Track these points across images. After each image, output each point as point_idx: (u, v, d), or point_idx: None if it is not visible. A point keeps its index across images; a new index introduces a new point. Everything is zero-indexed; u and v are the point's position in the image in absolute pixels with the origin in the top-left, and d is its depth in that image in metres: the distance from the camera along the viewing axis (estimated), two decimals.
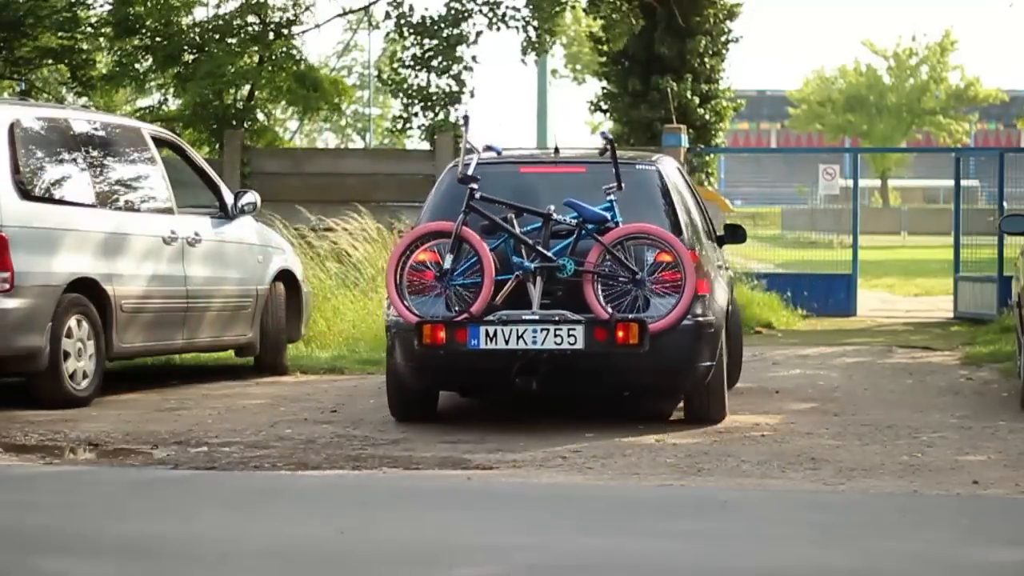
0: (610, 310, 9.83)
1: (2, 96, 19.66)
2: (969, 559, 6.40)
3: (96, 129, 12.13)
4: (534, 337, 9.70)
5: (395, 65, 20.68)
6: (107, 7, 20.32)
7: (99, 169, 11.95)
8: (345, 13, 21.79)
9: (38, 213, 11.11)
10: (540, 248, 9.95)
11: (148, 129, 12.99)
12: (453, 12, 19.76)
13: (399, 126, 20.53)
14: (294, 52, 20.49)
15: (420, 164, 19.26)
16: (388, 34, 20.76)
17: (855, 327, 19.08)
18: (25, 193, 11.05)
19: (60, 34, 20.22)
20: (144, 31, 20.02)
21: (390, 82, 20.53)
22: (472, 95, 19.88)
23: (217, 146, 19.89)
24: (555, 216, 10.05)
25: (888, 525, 7.07)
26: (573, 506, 7.47)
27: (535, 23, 19.69)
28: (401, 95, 20.01)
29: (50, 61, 20.85)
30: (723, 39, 21.23)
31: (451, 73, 19.77)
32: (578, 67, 64.31)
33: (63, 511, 7.30)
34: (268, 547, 6.45)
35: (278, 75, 20.24)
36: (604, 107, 21.95)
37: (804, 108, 72.84)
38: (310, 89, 20.27)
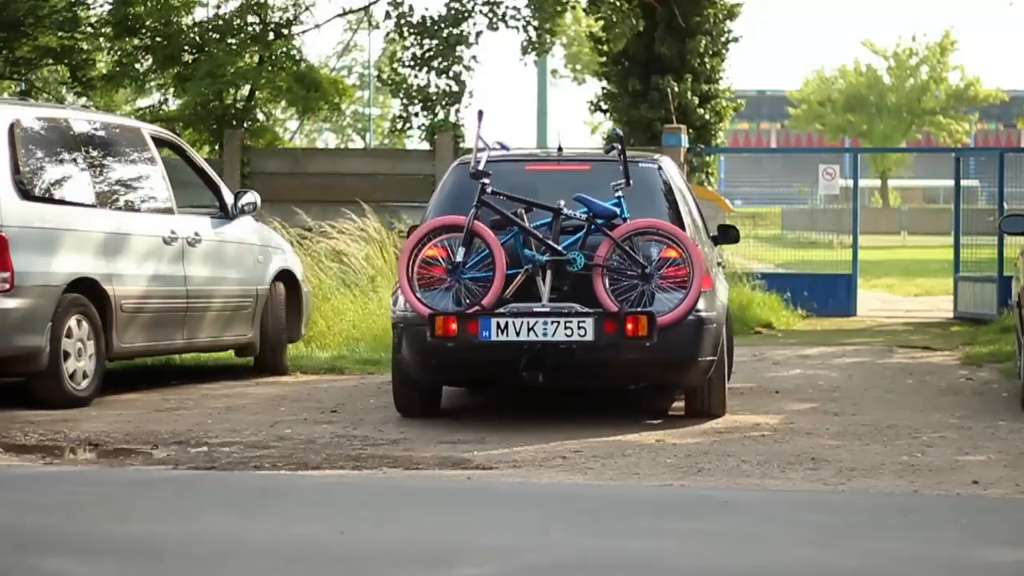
0: (618, 303, 10.01)
1: (2, 96, 19.67)
2: (969, 559, 6.40)
3: (96, 129, 12.13)
4: (545, 329, 9.88)
5: (395, 65, 20.69)
6: (107, 7, 20.35)
7: (99, 169, 11.95)
8: (345, 13, 21.79)
9: (38, 213, 11.11)
10: (550, 242, 10.12)
11: (148, 129, 12.99)
12: (453, 12, 19.77)
13: (399, 126, 20.54)
14: (294, 52, 20.51)
15: (420, 164, 19.28)
16: (388, 34, 20.77)
17: (855, 327, 19.08)
18: (25, 193, 11.05)
19: (60, 34, 20.23)
20: (144, 31, 20.04)
21: (390, 82, 20.55)
22: (472, 95, 19.92)
23: (217, 146, 19.91)
24: (566, 211, 10.23)
25: (888, 525, 7.07)
26: (573, 506, 7.47)
27: (535, 23, 19.70)
28: (401, 95, 20.01)
29: (50, 61, 20.86)
30: (723, 39, 21.22)
31: (451, 73, 19.77)
32: (578, 67, 64.30)
33: (63, 511, 7.30)
34: (268, 547, 6.45)
35: (278, 75, 20.25)
36: (604, 107, 21.94)
37: (804, 108, 72.83)
38: (310, 89, 20.28)
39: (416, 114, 19.94)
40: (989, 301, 19.19)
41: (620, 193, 10.31)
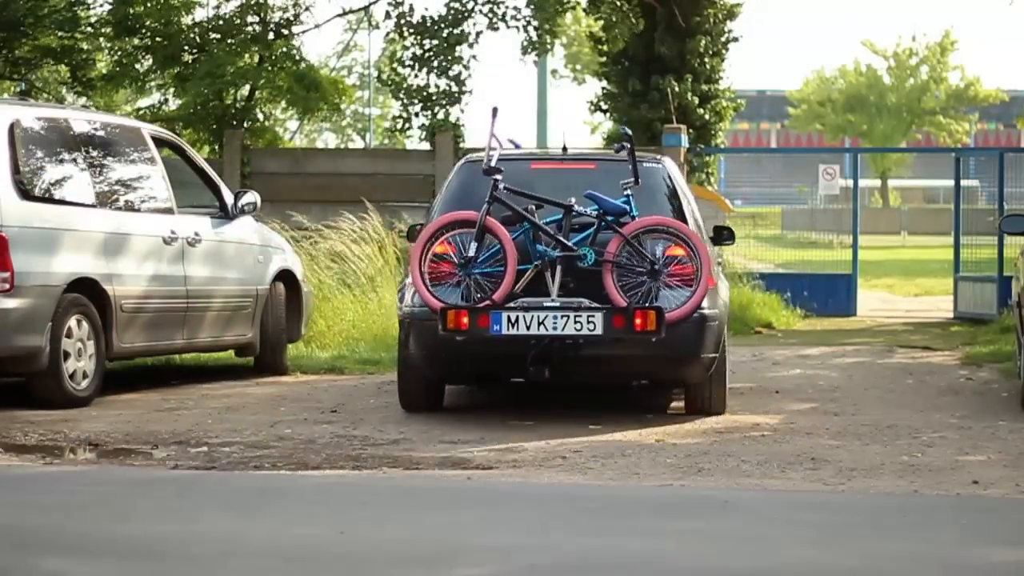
0: (626, 299, 10.21)
1: (2, 96, 19.67)
2: (969, 559, 6.40)
3: (96, 129, 12.13)
4: (554, 323, 10.04)
5: (395, 65, 20.68)
6: (107, 7, 20.34)
7: (99, 169, 11.95)
8: (345, 13, 21.79)
9: (38, 213, 11.10)
10: (561, 238, 10.30)
11: (148, 129, 12.99)
12: (453, 12, 19.76)
13: (399, 126, 20.53)
14: (294, 52, 20.49)
15: (420, 164, 19.28)
16: (388, 34, 20.76)
17: (855, 327, 19.08)
18: (25, 193, 11.05)
19: (60, 34, 20.22)
20: (144, 31, 20.03)
21: (390, 82, 20.54)
22: (472, 94, 19.91)
23: (217, 146, 19.90)
24: (577, 208, 10.41)
25: (888, 525, 7.07)
26: (573, 506, 7.46)
27: (535, 23, 19.69)
28: (401, 95, 20.00)
29: (50, 61, 20.86)
30: (723, 39, 21.22)
31: (451, 73, 19.77)
32: (578, 67, 64.33)
33: (63, 511, 7.30)
34: (268, 547, 6.45)
35: (278, 75, 20.24)
36: (604, 107, 21.94)
37: (804, 108, 72.83)
38: (310, 89, 20.27)
39: (416, 114, 19.93)
40: (989, 301, 19.19)
41: (629, 191, 10.51)
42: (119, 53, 20.54)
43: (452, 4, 19.79)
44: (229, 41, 20.06)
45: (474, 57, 19.89)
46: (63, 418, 10.58)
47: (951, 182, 21.12)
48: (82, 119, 12.15)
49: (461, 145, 19.15)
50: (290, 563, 6.16)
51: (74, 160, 11.68)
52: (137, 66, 20.38)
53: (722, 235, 12.22)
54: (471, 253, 10.31)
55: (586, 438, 9.80)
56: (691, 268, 10.33)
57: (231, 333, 13.00)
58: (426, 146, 19.91)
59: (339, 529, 6.81)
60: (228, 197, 13.21)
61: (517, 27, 19.76)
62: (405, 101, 19.96)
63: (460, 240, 10.41)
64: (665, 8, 20.42)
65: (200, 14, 20.62)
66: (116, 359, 12.06)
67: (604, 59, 21.87)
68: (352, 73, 65.84)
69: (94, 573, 6.01)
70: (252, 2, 20.09)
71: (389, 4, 19.93)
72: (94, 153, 11.95)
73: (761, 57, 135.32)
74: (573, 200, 10.44)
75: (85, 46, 20.75)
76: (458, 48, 19.73)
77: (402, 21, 19.85)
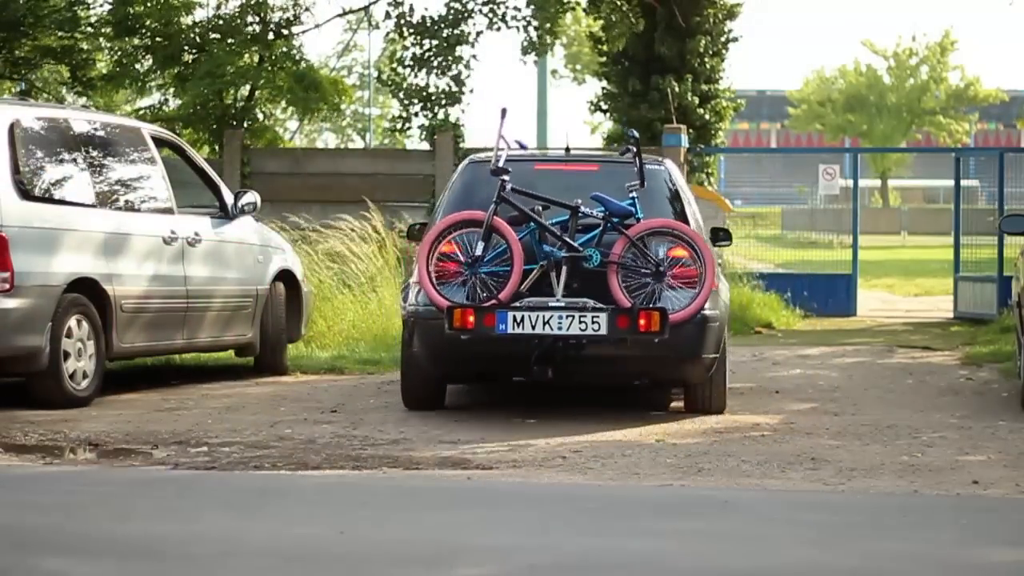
0: (631, 300, 10.33)
1: (2, 96, 19.66)
2: (969, 559, 6.40)
3: (96, 129, 12.13)
4: (559, 323, 10.13)
5: (394, 65, 20.67)
6: (107, 7, 20.33)
7: (99, 169, 11.95)
8: (345, 13, 21.78)
9: (38, 213, 11.10)
10: (567, 239, 10.41)
11: (148, 129, 12.99)
12: (453, 12, 19.75)
13: (399, 126, 20.52)
14: (294, 52, 20.49)
15: (420, 164, 19.29)
16: (388, 34, 20.74)
17: (855, 327, 19.08)
18: (25, 193, 11.05)
19: (60, 34, 20.21)
20: (144, 31, 20.03)
21: (389, 82, 20.53)
22: (472, 92, 19.90)
23: (217, 146, 19.90)
24: (583, 209, 10.52)
25: (888, 525, 7.07)
26: (573, 506, 7.46)
27: (536, 23, 19.68)
28: (401, 95, 19.99)
29: (50, 61, 20.85)
30: (723, 39, 21.21)
31: (451, 73, 19.76)
32: (578, 67, 64.31)
33: (63, 511, 7.30)
34: (268, 547, 6.45)
35: (278, 75, 20.23)
36: (604, 107, 21.93)
37: (804, 108, 72.81)
38: (310, 89, 20.26)
39: (416, 114, 19.93)
40: (989, 301, 19.19)
41: (635, 194, 10.64)
42: (119, 53, 20.54)
43: (452, 4, 19.78)
44: (229, 41, 20.05)
45: (474, 57, 19.88)
46: (63, 418, 10.58)
47: (951, 182, 21.13)
48: (82, 119, 12.15)
49: (461, 145, 19.14)
50: (290, 563, 6.16)
51: (74, 160, 11.68)
52: (137, 66, 20.37)
53: (718, 236, 12.29)
54: (478, 252, 10.41)
55: (586, 438, 9.80)
56: (694, 270, 10.45)
57: (231, 333, 13.00)
58: (426, 146, 19.90)
59: (339, 529, 6.81)
60: (228, 197, 13.21)
61: (517, 27, 19.76)
62: (405, 101, 19.95)
63: (466, 240, 10.52)
64: (665, 8, 20.42)
65: (200, 14, 20.63)
66: (116, 359, 12.06)
67: (604, 59, 21.87)
68: (352, 73, 65.84)
69: (94, 573, 6.01)
70: (252, 2, 20.08)
71: (389, 4, 19.92)
72: (94, 153, 11.95)
73: (761, 57, 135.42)
74: (579, 201, 10.54)
75: (85, 46, 20.75)
76: (458, 48, 19.72)
77: (402, 21, 19.83)
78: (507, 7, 19.73)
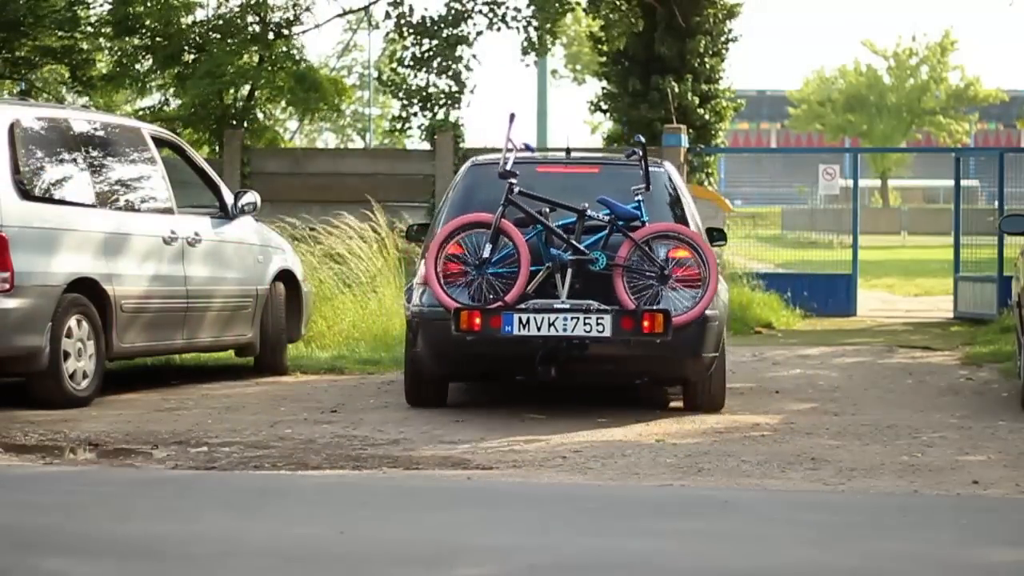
0: (635, 301, 10.49)
1: (2, 96, 19.66)
2: (969, 559, 6.40)
3: (96, 129, 12.12)
4: (564, 324, 10.29)
5: (394, 65, 20.67)
6: (107, 7, 20.33)
7: (99, 169, 11.94)
8: (345, 13, 21.78)
9: (38, 213, 11.10)
10: (574, 242, 10.57)
11: (148, 129, 12.99)
12: (453, 12, 19.75)
13: (399, 126, 20.52)
14: (294, 52, 20.49)
15: (420, 164, 19.30)
16: (388, 34, 20.74)
17: (855, 327, 19.08)
18: (25, 193, 11.05)
19: (60, 34, 20.21)
20: (144, 31, 20.03)
21: (389, 83, 20.53)
22: (472, 92, 19.89)
23: (217, 146, 19.90)
24: (590, 212, 10.69)
25: (888, 525, 7.07)
26: (573, 506, 7.47)
27: (536, 24, 19.68)
28: (400, 95, 20.00)
29: (50, 61, 20.85)
30: (723, 39, 21.20)
31: (451, 73, 19.76)
32: (578, 67, 64.28)
33: (63, 511, 7.30)
34: (268, 547, 6.45)
35: (278, 75, 20.24)
36: (604, 107, 21.93)
37: (804, 108, 72.80)
38: (310, 89, 20.27)
39: (415, 114, 19.93)
40: (989, 301, 19.19)
41: (640, 197, 10.80)
42: (119, 53, 20.54)
43: (452, 4, 19.79)
44: (229, 41, 20.05)
45: (474, 57, 19.89)
46: (63, 418, 10.58)
47: (951, 182, 21.12)
48: (82, 119, 12.15)
49: (461, 145, 19.15)
50: (290, 563, 6.16)
51: (74, 160, 11.68)
52: (137, 66, 20.38)
53: (713, 237, 12.36)
54: (485, 254, 10.56)
55: (586, 438, 9.80)
56: (697, 273, 10.63)
57: (231, 333, 13.00)
58: (426, 146, 19.91)
59: (339, 529, 6.81)
60: (228, 197, 13.21)
61: (517, 28, 19.76)
62: (405, 101, 19.96)
63: (471, 242, 10.68)
64: (665, 8, 20.41)
65: (200, 14, 20.64)
66: (116, 359, 12.06)
67: (604, 59, 21.86)
68: (352, 73, 65.80)
69: (94, 573, 6.01)
70: (252, 2, 20.08)
71: (389, 4, 19.92)
72: (94, 153, 11.95)
73: (761, 57, 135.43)
74: (586, 205, 10.70)
75: (85, 46, 20.75)
76: (458, 48, 19.73)
77: (402, 21, 19.84)
78: (507, 7, 19.74)
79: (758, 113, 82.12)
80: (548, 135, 33.76)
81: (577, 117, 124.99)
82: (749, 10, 41.68)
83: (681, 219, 11.15)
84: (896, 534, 6.87)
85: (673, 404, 11.59)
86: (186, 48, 20.16)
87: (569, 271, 10.55)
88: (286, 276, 13.67)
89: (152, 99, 22.24)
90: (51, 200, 11.33)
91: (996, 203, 19.77)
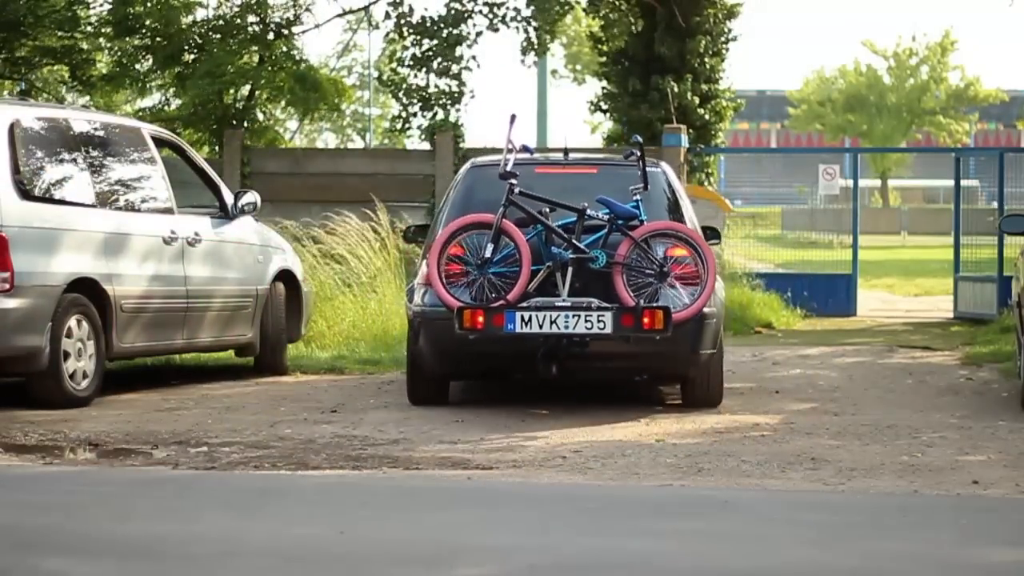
0: (635, 299, 10.62)
1: (2, 96, 19.66)
2: (969, 559, 6.40)
3: (96, 129, 12.13)
4: (566, 322, 10.44)
5: (394, 65, 20.67)
6: (107, 7, 20.32)
7: (99, 169, 11.95)
8: (345, 13, 21.77)
9: (38, 213, 11.11)
10: (575, 241, 10.72)
11: (148, 129, 12.99)
12: (453, 12, 19.75)
13: (399, 126, 20.52)
14: (294, 52, 20.49)
15: (420, 164, 19.30)
16: (388, 34, 20.73)
17: (855, 327, 19.08)
18: (25, 193, 11.05)
19: (60, 34, 20.21)
20: (144, 31, 20.03)
21: (389, 83, 20.52)
22: (472, 95, 19.88)
23: (217, 146, 19.90)
24: (590, 211, 10.83)
25: (888, 525, 7.07)
26: (573, 506, 7.47)
27: (536, 24, 19.67)
28: (400, 95, 19.99)
29: (50, 61, 20.85)
30: (723, 39, 21.19)
31: (451, 73, 19.76)
32: (578, 67, 64.28)
33: (63, 511, 7.30)
34: (268, 547, 6.45)
35: (278, 75, 20.23)
36: (604, 107, 21.92)
37: (804, 108, 72.78)
38: (310, 89, 20.26)
39: (415, 114, 19.93)
40: (989, 301, 19.18)
41: (639, 197, 10.96)
42: (119, 53, 20.53)
43: (452, 4, 19.78)
44: (229, 41, 20.05)
45: (474, 57, 19.88)
46: (63, 418, 10.58)
47: (951, 182, 21.12)
48: (82, 119, 12.15)
49: (461, 145, 19.15)
50: (290, 563, 6.16)
51: (74, 160, 11.68)
52: (137, 66, 20.37)
53: (707, 235, 12.38)
54: (487, 254, 10.70)
55: (586, 438, 9.81)
56: (695, 270, 10.77)
57: (231, 333, 13.00)
58: (426, 146, 19.90)
59: (339, 529, 6.81)
60: (228, 197, 13.21)
61: (517, 28, 19.75)
62: (405, 101, 19.95)
63: (473, 242, 10.81)
64: (665, 8, 20.40)
65: (200, 14, 20.63)
66: (116, 359, 12.06)
67: (604, 59, 21.85)
68: (352, 73, 65.82)
69: (94, 573, 6.01)
70: (252, 2, 20.08)
71: (389, 4, 19.91)
72: (94, 153, 11.95)
73: (761, 57, 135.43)
74: (586, 204, 10.82)
75: (85, 46, 20.74)
76: (458, 48, 19.72)
77: (402, 21, 19.83)
78: (507, 7, 19.74)
79: (758, 113, 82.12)
80: (548, 135, 33.77)
81: (577, 117, 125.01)
82: (749, 10, 41.67)
83: (678, 217, 11.29)
84: (896, 534, 6.87)
85: (671, 401, 11.61)
86: (186, 48, 20.15)
87: (569, 270, 10.69)
88: (286, 276, 13.67)
89: (152, 99, 22.26)
90: (51, 200, 11.33)
91: (996, 203, 19.77)
